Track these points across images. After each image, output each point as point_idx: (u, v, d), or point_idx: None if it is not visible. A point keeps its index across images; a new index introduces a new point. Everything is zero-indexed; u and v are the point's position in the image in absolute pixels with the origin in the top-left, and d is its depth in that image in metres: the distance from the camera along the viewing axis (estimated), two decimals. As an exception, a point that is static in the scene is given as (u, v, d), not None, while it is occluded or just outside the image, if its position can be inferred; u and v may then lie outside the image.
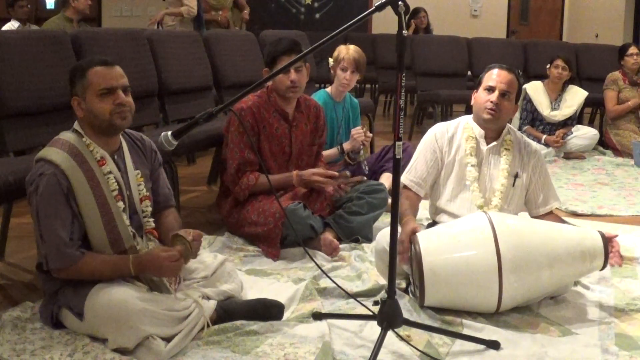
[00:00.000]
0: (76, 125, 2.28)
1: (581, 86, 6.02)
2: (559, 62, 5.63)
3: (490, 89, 2.70)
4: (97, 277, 2.14)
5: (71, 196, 2.15)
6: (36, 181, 2.14)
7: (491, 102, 2.68)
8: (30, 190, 2.15)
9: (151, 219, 2.38)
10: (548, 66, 5.71)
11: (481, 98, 2.72)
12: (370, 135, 3.87)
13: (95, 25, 8.77)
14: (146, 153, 2.44)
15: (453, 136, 2.78)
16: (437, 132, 2.80)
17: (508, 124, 2.81)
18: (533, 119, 5.70)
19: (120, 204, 2.25)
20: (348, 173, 3.53)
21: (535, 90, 5.67)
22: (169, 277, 2.26)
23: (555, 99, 5.71)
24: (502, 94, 2.68)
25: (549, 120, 5.65)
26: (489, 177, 2.73)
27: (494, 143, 2.75)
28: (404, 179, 2.76)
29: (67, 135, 2.25)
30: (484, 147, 2.75)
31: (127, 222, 2.26)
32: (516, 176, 2.73)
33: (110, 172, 2.24)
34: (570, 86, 5.78)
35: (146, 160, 2.43)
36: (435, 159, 2.76)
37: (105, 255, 2.19)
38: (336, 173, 3.26)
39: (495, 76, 2.71)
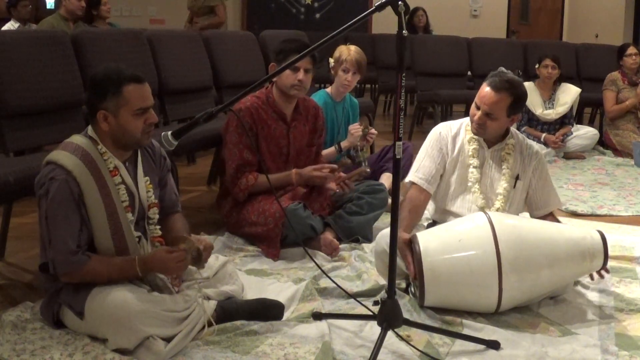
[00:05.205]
0: (90, 132, 2.23)
1: (581, 86, 6.01)
2: (548, 61, 5.61)
3: (477, 106, 2.69)
4: (104, 279, 2.13)
5: (81, 203, 2.13)
6: (46, 185, 2.11)
7: (475, 121, 2.68)
8: (40, 194, 2.13)
9: (158, 227, 2.36)
10: (537, 66, 5.70)
11: (472, 109, 2.72)
12: (375, 132, 3.81)
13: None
14: (156, 159, 2.42)
15: (456, 135, 2.78)
16: (442, 130, 2.80)
17: (512, 128, 2.80)
18: (529, 119, 5.69)
19: (129, 215, 2.23)
20: (348, 160, 3.50)
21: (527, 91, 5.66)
22: (176, 274, 2.25)
23: (549, 98, 5.69)
24: (486, 114, 2.67)
25: (544, 119, 5.65)
26: (490, 179, 2.73)
27: (496, 146, 2.75)
28: (413, 177, 2.74)
29: (79, 140, 2.21)
30: (486, 149, 2.75)
31: (135, 233, 2.24)
32: (517, 178, 2.73)
33: (122, 183, 2.22)
34: (562, 84, 5.77)
35: (155, 166, 2.41)
36: (442, 155, 2.76)
37: (111, 258, 2.18)
38: (335, 166, 3.24)
39: (483, 93, 2.67)
